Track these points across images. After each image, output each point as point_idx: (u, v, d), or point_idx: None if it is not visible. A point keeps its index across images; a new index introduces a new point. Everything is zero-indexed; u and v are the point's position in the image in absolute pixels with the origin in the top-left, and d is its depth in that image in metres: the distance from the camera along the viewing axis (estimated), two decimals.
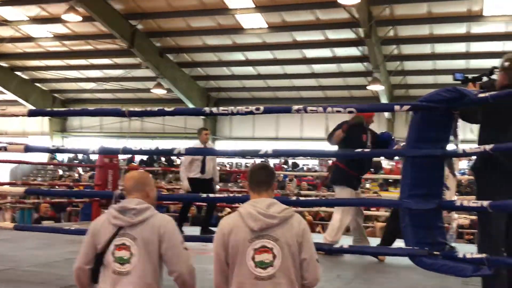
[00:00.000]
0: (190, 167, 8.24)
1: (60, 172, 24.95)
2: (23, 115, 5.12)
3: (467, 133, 4.02)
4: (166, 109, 4.56)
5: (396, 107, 3.90)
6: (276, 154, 5.12)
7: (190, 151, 6.33)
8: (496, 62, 4.11)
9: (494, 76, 4.04)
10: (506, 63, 3.78)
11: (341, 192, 6.55)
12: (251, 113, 4.15)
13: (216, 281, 3.00)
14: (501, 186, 3.65)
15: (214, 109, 4.28)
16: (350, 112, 3.91)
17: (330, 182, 7.17)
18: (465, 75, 4.12)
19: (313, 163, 23.69)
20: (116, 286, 3.05)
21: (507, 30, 17.70)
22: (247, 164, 24.14)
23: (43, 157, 23.57)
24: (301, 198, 4.95)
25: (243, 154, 4.12)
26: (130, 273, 3.05)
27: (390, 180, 19.86)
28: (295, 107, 4.00)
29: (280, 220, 2.89)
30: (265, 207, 2.92)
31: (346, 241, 6.87)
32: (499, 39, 18.13)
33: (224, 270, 2.96)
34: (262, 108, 4.19)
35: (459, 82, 4.08)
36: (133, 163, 21.10)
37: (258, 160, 22.37)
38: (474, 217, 11.18)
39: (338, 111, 3.92)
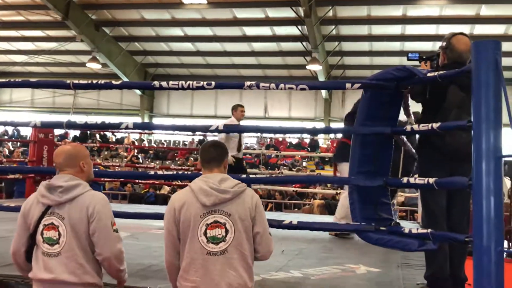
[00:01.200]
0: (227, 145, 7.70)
1: None
2: None
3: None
4: (113, 82, 4.42)
5: (347, 85, 3.93)
6: (228, 130, 5.08)
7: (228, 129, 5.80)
8: (429, 45, 4.24)
9: None
10: (444, 43, 3.90)
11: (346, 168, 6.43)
12: (202, 88, 4.08)
13: (167, 257, 2.96)
14: (440, 166, 3.77)
15: (164, 83, 4.17)
16: (302, 89, 3.90)
17: (334, 158, 6.98)
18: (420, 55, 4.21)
19: (251, 141, 23.77)
20: (47, 267, 2.95)
21: (441, 14, 18.22)
22: (185, 142, 23.92)
23: None
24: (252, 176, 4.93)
25: (193, 130, 4.05)
26: (60, 254, 2.94)
27: (326, 159, 20.26)
28: (248, 83, 3.96)
29: (233, 195, 2.88)
30: (217, 182, 2.90)
31: (295, 217, 6.97)
32: (433, 22, 18.65)
33: (176, 246, 2.92)
34: (213, 83, 4.12)
35: (413, 61, 4.16)
36: (66, 140, 20.50)
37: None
38: (408, 195, 11.59)
39: (291, 88, 3.91)
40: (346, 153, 6.51)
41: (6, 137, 24.74)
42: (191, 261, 2.85)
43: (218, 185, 2.88)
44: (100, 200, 3.03)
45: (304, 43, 20.61)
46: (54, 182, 3.01)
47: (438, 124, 3.49)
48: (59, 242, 2.94)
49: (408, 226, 3.99)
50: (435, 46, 4.74)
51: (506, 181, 11.59)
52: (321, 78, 21.91)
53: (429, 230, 3.50)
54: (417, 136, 4.32)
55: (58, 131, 17.64)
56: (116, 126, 4.43)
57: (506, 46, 18.55)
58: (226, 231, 2.84)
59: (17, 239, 3.06)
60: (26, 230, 3.03)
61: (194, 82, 4.11)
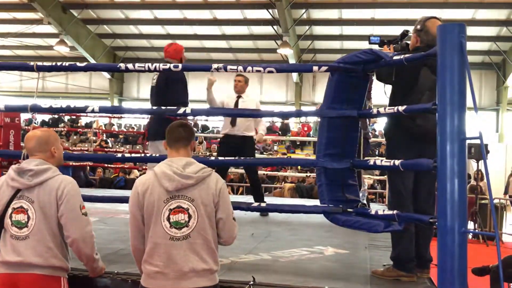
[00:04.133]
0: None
1: None
2: None
3: (381, 96, 4.14)
4: (78, 64, 4.34)
5: (315, 68, 3.93)
6: (195, 113, 5.04)
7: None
8: (400, 29, 4.28)
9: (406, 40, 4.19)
10: (419, 26, 3.93)
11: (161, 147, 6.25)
12: (168, 70, 4.04)
13: (133, 242, 2.95)
14: (408, 149, 3.81)
15: (130, 65, 4.11)
16: (269, 71, 3.89)
17: (149, 137, 6.33)
18: (381, 38, 4.24)
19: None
20: (15, 251, 2.96)
21: None
22: None
23: None
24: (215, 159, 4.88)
25: (161, 113, 4.00)
26: (28, 237, 2.96)
27: (297, 143, 20.35)
28: (215, 65, 3.93)
29: (196, 180, 2.86)
30: (181, 166, 2.87)
31: (267, 200, 6.98)
32: (403, 6, 18.77)
33: (141, 230, 2.91)
34: (180, 65, 4.09)
35: (375, 44, 4.19)
36: (34, 124, 20.14)
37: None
38: (377, 178, 11.73)
39: (258, 71, 3.89)
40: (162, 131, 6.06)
41: None
42: (155, 245, 2.84)
43: (182, 170, 2.85)
44: (69, 183, 3.05)
45: (275, 27, 20.56)
46: (24, 166, 3.03)
47: (404, 107, 3.53)
48: (27, 226, 2.96)
49: (374, 208, 4.03)
50: (404, 29, 4.81)
51: (472, 163, 11.81)
52: (292, 61, 21.91)
53: (395, 212, 3.55)
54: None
55: (25, 116, 17.32)
56: (82, 110, 4.37)
57: (473, 30, 18.80)
58: (189, 217, 2.83)
59: None
60: None
61: (161, 64, 4.06)
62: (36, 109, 4.29)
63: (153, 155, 5.02)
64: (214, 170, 3.01)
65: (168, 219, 2.82)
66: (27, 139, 3.14)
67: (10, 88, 27.19)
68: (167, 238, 2.82)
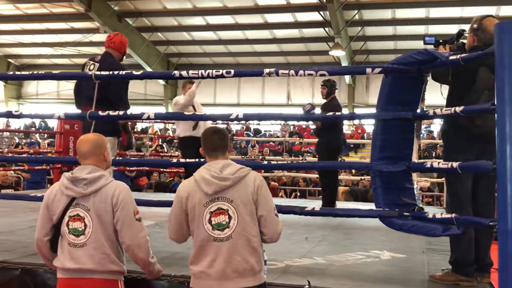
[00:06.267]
0: (180, 125, 7.44)
1: (17, 140, 24.33)
2: None
3: (438, 97, 4.05)
4: (135, 72, 4.45)
5: (368, 70, 3.89)
6: (247, 118, 5.08)
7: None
8: (454, 28, 4.18)
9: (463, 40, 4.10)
10: (475, 25, 3.83)
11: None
12: (221, 76, 4.09)
13: (170, 233, 3.11)
14: (467, 150, 3.72)
15: (184, 73, 4.19)
16: (322, 75, 3.88)
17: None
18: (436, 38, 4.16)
19: (275, 129, 23.73)
20: (74, 258, 3.02)
21: None
22: None
23: None
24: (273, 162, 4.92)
25: (214, 118, 4.07)
26: (86, 244, 3.02)
27: (351, 145, 20.15)
28: (267, 70, 3.94)
29: (233, 181, 2.93)
30: (218, 169, 2.95)
31: (319, 204, 6.97)
32: (457, 5, 18.32)
33: (184, 234, 3.06)
34: (232, 71, 4.12)
35: (430, 45, 4.11)
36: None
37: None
38: (434, 180, 11.47)
39: (310, 74, 3.88)
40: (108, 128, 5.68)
41: (33, 129, 25.13)
42: (200, 248, 2.94)
43: (219, 173, 2.93)
44: (123, 189, 3.10)
45: (326, 29, 20.43)
46: (78, 175, 3.06)
47: (462, 107, 3.45)
48: (84, 233, 3.02)
49: (432, 211, 3.95)
50: (460, 28, 4.68)
51: None
52: (344, 63, 21.72)
53: (453, 215, 3.47)
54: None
55: None
56: (138, 117, 4.47)
57: None
58: (230, 217, 2.91)
59: (40, 229, 3.14)
60: (49, 220, 3.10)
61: (214, 71, 4.11)
62: (94, 117, 4.41)
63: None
64: (251, 169, 3.05)
65: (210, 221, 2.91)
66: (80, 143, 3.18)
67: (69, 96, 28.00)
68: (211, 240, 2.91)
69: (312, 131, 7.24)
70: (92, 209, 3.02)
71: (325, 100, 7.81)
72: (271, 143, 20.60)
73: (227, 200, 2.92)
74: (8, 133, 26.23)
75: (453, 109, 3.51)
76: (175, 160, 4.86)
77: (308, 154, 18.33)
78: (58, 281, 3.11)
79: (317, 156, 8.07)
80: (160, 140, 19.73)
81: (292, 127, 20.98)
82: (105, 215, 3.03)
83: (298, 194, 13.57)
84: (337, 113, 6.06)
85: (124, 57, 5.98)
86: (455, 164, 3.43)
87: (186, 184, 3.05)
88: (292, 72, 3.93)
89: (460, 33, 4.10)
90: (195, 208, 2.94)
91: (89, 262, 3.00)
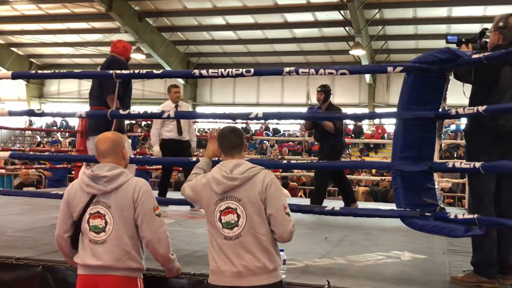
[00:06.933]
0: (163, 128, 7.66)
1: (38, 138, 24.65)
2: (6, 78, 4.96)
3: (460, 97, 4.00)
4: (155, 71, 4.46)
5: (389, 69, 3.86)
6: (267, 117, 5.07)
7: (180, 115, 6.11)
8: (476, 27, 4.13)
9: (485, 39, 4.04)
10: (501, 23, 3.76)
11: None
12: (241, 75, 4.08)
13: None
14: (491, 150, 3.67)
15: (204, 72, 4.19)
16: (342, 74, 3.85)
17: (88, 132, 6.62)
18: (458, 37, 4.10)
19: (294, 129, 23.70)
20: (94, 254, 3.04)
21: None
22: None
23: (20, 124, 23.20)
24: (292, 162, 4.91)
25: (233, 117, 4.08)
26: (106, 241, 3.04)
27: (371, 145, 20.04)
28: (287, 69, 3.93)
29: (241, 181, 2.96)
30: (229, 169, 2.99)
31: (338, 204, 6.94)
32: (480, 3, 18.11)
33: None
34: (252, 70, 4.11)
35: (452, 44, 4.06)
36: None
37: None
38: (456, 181, 11.34)
39: (331, 73, 3.87)
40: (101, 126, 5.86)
41: (55, 127, 25.42)
42: (213, 244, 3.00)
43: (229, 173, 2.98)
44: (143, 185, 3.12)
45: (347, 28, 20.35)
46: (98, 172, 3.08)
47: (485, 107, 3.41)
48: (105, 230, 3.04)
49: (454, 211, 3.90)
50: (482, 27, 4.62)
51: None
52: (365, 63, 21.61)
53: (475, 216, 3.43)
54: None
55: None
56: (158, 116, 4.49)
57: None
58: (238, 216, 2.95)
59: (60, 225, 3.17)
60: (69, 217, 3.14)
61: (233, 70, 4.11)
62: (115, 115, 4.44)
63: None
64: (263, 168, 3.07)
65: (220, 220, 2.97)
66: (100, 142, 3.19)
67: None
68: (221, 238, 2.97)
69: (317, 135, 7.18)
70: (113, 206, 3.04)
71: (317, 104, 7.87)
72: (290, 142, 20.57)
73: (235, 199, 2.97)
74: (30, 132, 26.64)
75: (475, 108, 3.47)
76: (194, 159, 4.86)
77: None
78: (78, 278, 3.13)
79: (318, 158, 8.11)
80: None
81: None
82: (126, 211, 3.05)
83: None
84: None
85: (128, 62, 6.25)
86: (477, 164, 3.39)
87: (198, 184, 3.13)
88: (312, 70, 3.91)
89: (483, 32, 4.03)
90: (208, 207, 3.03)
91: (110, 259, 3.02)
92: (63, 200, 3.18)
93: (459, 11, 18.98)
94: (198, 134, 23.53)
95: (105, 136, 3.24)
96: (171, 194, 9.20)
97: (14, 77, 4.79)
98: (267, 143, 19.93)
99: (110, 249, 3.03)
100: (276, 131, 24.05)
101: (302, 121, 19.82)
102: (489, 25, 3.91)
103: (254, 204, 2.95)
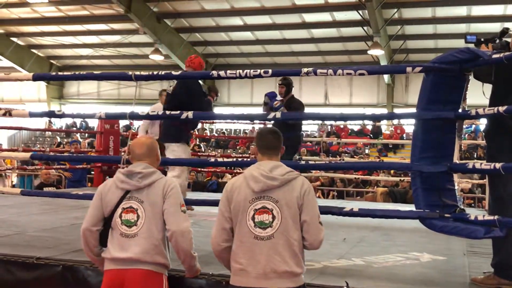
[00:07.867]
0: (151, 130, 7.69)
1: (58, 139, 24.88)
2: (27, 80, 5.05)
3: (480, 97, 3.96)
4: (174, 72, 4.49)
5: (408, 69, 3.83)
6: (285, 118, 5.06)
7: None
8: (496, 26, 4.07)
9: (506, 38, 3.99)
10: None
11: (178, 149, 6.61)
12: (259, 76, 4.09)
13: (213, 234, 3.11)
14: (511, 150, 3.63)
15: (222, 72, 4.21)
16: (360, 74, 3.84)
17: (163, 139, 6.91)
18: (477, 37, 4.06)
19: (312, 129, 23.63)
20: (124, 247, 3.16)
21: None
22: (245, 131, 24.08)
23: (40, 125, 23.44)
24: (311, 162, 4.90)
25: (251, 118, 4.08)
26: (137, 235, 3.16)
27: (390, 146, 19.91)
28: (305, 69, 3.93)
29: (281, 182, 2.95)
30: (268, 169, 2.99)
31: (357, 205, 6.90)
32: (500, 2, 17.90)
33: (224, 228, 3.04)
34: (270, 71, 4.12)
35: (471, 44, 4.02)
36: (132, 130, 21.03)
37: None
38: (475, 181, 11.24)
39: (349, 74, 3.85)
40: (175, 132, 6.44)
41: (74, 128, 25.66)
42: (240, 244, 2.97)
43: (268, 172, 2.97)
44: (174, 183, 3.31)
45: (365, 28, 20.23)
46: (133, 169, 3.25)
47: (505, 107, 3.37)
48: (136, 224, 3.17)
49: (474, 213, 3.87)
50: (503, 27, 4.56)
51: None
52: (383, 63, 21.47)
53: (496, 217, 3.39)
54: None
55: (123, 122, 18.11)
56: (177, 117, 4.51)
57: None
58: (273, 217, 2.93)
59: (90, 218, 3.27)
60: (100, 211, 3.25)
61: (251, 71, 4.12)
62: (134, 117, 4.48)
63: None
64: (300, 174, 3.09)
65: (253, 218, 2.94)
66: (136, 146, 3.37)
67: (109, 96, 28.51)
68: (251, 237, 2.93)
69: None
70: (146, 201, 3.19)
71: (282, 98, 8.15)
72: (308, 143, 20.51)
73: (272, 200, 2.95)
74: (50, 133, 26.91)
75: (496, 108, 3.44)
76: (212, 159, 4.88)
77: (346, 154, 18.18)
78: (104, 274, 3.23)
79: None
80: (198, 140, 19.89)
81: (329, 127, 20.84)
82: (157, 206, 3.19)
83: (336, 194, 13.47)
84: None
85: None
86: (498, 165, 3.36)
87: (235, 180, 3.13)
88: (330, 71, 3.90)
89: (504, 32, 3.99)
90: (240, 204, 2.98)
91: (139, 252, 3.13)
92: (96, 195, 3.31)
93: (479, 10, 18.77)
94: (216, 134, 23.85)
95: (141, 140, 3.47)
96: (189, 195, 9.23)
97: (35, 78, 4.85)
98: None
99: (140, 242, 3.14)
100: None
101: (320, 122, 19.87)
102: (509, 24, 3.86)
103: (291, 207, 2.94)
